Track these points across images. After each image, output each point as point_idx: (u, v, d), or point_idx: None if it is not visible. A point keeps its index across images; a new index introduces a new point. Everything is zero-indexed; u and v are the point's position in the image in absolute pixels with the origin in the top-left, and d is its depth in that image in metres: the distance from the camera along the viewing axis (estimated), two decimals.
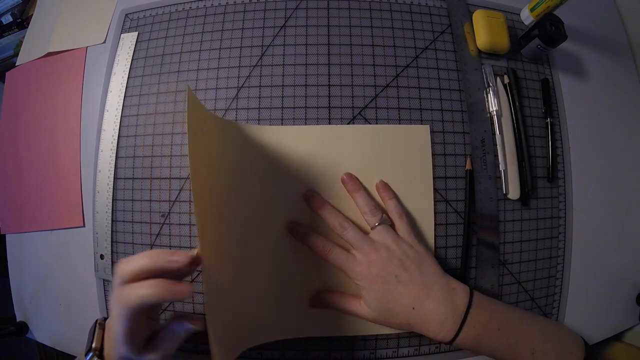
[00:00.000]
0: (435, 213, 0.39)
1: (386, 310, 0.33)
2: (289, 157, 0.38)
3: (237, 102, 0.42)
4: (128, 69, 0.45)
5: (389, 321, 0.33)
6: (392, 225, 0.36)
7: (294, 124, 0.41)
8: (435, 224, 0.39)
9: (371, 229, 0.35)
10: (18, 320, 0.48)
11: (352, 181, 0.37)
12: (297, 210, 0.38)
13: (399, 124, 0.41)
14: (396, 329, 0.36)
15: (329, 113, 0.41)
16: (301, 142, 0.39)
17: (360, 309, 0.34)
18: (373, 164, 0.39)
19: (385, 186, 0.37)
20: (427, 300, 0.32)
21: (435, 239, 0.39)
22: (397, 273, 0.33)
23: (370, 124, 0.41)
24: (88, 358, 0.30)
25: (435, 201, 0.40)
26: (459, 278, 0.39)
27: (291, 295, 0.37)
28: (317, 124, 0.41)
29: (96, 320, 0.33)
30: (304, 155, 0.39)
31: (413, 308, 0.32)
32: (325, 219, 0.36)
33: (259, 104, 0.41)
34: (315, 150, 0.39)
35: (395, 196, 0.37)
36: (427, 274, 0.33)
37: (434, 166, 0.40)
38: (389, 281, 0.33)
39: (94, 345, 0.31)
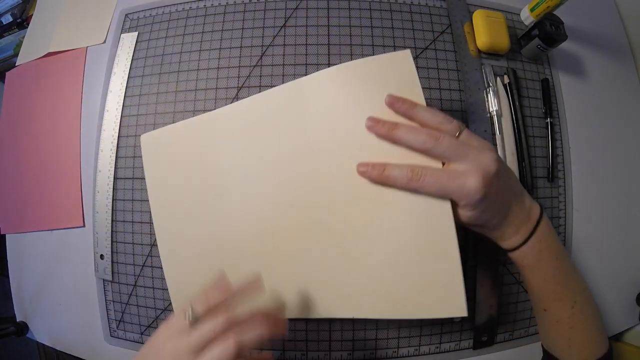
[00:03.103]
0: None
1: (495, 201, 0.28)
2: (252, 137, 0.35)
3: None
4: (128, 69, 0.45)
5: (483, 214, 0.28)
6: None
7: None
8: None
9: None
10: (18, 320, 0.48)
11: (399, 102, 0.30)
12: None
13: None
14: (468, 224, 0.30)
15: None
16: (256, 114, 0.35)
17: (465, 185, 0.27)
18: (351, 115, 0.31)
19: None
20: (515, 204, 0.30)
21: None
22: (512, 184, 0.30)
23: None
24: None
25: None
26: None
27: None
28: None
29: None
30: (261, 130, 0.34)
31: (505, 216, 0.29)
32: (405, 141, 0.29)
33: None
34: (279, 119, 0.34)
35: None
36: (512, 180, 0.30)
37: None
38: (510, 188, 0.29)
39: None
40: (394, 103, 0.30)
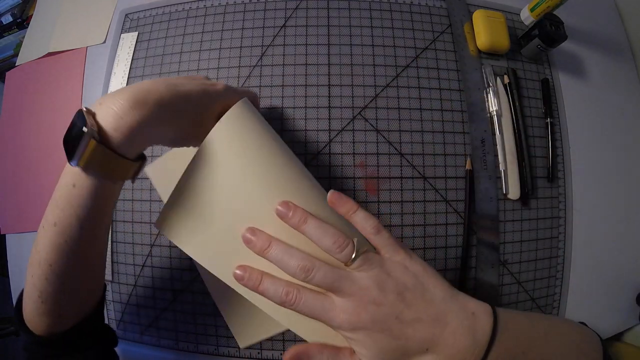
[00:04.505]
0: (435, 213, 0.39)
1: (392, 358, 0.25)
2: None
3: None
4: (128, 69, 0.45)
5: (369, 346, 0.25)
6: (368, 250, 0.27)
7: (294, 124, 0.41)
8: (436, 224, 0.39)
9: (346, 266, 0.26)
10: None
11: (293, 210, 0.26)
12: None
13: (399, 124, 0.41)
14: None
15: (329, 113, 0.41)
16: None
17: None
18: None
19: (340, 197, 0.27)
20: (441, 337, 0.24)
21: (435, 239, 0.39)
22: (397, 312, 0.24)
23: (370, 124, 0.41)
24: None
25: (435, 201, 0.40)
26: (459, 279, 0.39)
27: None
28: (317, 124, 0.41)
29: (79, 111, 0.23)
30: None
31: (427, 349, 0.24)
32: (277, 264, 0.26)
33: (259, 104, 0.41)
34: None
35: (359, 206, 0.27)
36: (436, 301, 0.25)
37: (434, 166, 0.40)
38: (389, 325, 0.24)
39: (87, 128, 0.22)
40: (285, 214, 0.26)
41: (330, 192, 0.27)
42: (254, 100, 0.35)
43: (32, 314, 0.26)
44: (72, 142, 0.22)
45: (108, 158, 0.23)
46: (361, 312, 0.24)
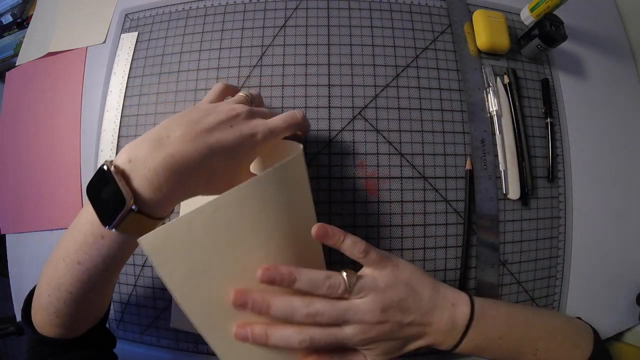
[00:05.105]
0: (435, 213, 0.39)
1: (395, 351, 0.30)
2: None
3: None
4: (128, 69, 0.45)
5: (394, 356, 0.30)
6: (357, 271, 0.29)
7: None
8: (436, 224, 0.39)
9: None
10: (18, 320, 0.48)
11: (280, 275, 0.26)
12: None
13: (399, 124, 0.41)
14: None
15: (329, 113, 0.41)
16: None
17: None
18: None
19: (326, 230, 0.28)
20: (430, 326, 0.29)
21: (435, 239, 0.39)
22: (399, 320, 0.28)
23: (370, 124, 0.41)
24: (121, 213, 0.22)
25: (435, 201, 0.40)
26: (459, 278, 0.39)
27: None
28: (317, 124, 0.41)
29: (102, 166, 0.23)
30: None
31: (419, 337, 0.30)
32: (282, 319, 0.27)
33: (309, 129, 0.41)
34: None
35: (345, 234, 0.29)
36: (424, 300, 0.29)
37: (434, 166, 0.40)
38: (394, 331, 0.28)
39: (124, 194, 0.22)
40: (273, 280, 0.26)
41: (315, 226, 0.28)
42: (304, 130, 0.34)
43: (44, 323, 0.28)
44: (106, 207, 0.23)
45: (143, 222, 0.24)
46: (371, 332, 0.28)
